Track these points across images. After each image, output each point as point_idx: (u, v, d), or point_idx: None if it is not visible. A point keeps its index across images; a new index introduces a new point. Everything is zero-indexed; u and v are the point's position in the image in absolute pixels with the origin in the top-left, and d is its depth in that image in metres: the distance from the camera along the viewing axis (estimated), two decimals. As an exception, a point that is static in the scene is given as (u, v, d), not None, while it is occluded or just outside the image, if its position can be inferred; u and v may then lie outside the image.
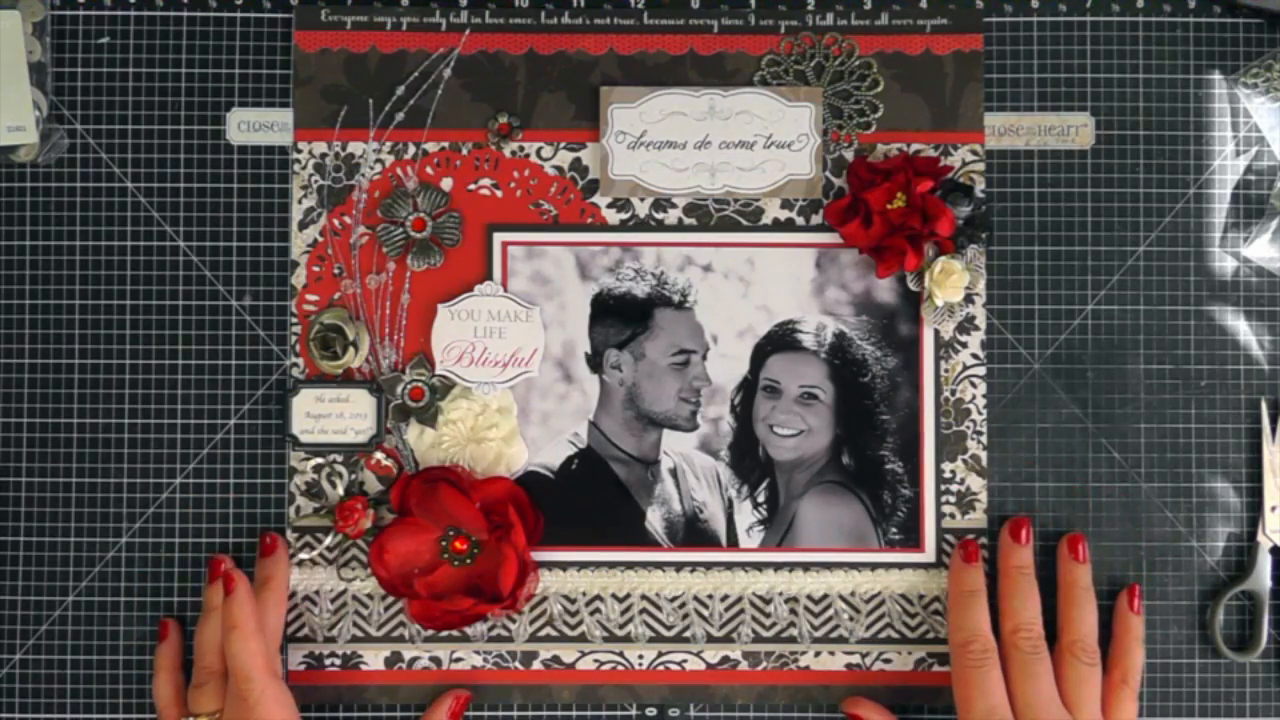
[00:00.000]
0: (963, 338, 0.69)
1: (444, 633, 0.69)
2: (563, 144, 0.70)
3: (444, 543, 0.68)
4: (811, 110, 0.70)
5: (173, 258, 0.70)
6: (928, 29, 0.70)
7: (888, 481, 0.69)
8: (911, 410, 0.69)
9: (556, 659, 0.69)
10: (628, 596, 0.69)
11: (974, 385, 0.69)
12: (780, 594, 0.69)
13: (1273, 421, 0.69)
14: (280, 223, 0.70)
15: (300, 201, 0.70)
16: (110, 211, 0.70)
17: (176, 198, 0.70)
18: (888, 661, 0.69)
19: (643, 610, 0.69)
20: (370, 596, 0.69)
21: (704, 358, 0.70)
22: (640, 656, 0.69)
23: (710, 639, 0.69)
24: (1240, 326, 0.70)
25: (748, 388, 0.70)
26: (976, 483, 0.69)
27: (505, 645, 0.69)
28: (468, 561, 0.68)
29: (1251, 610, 0.69)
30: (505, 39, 0.70)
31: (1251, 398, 0.70)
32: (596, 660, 0.69)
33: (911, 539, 0.69)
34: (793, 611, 0.69)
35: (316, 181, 0.70)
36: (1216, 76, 0.70)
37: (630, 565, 0.69)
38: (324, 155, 0.70)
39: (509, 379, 0.69)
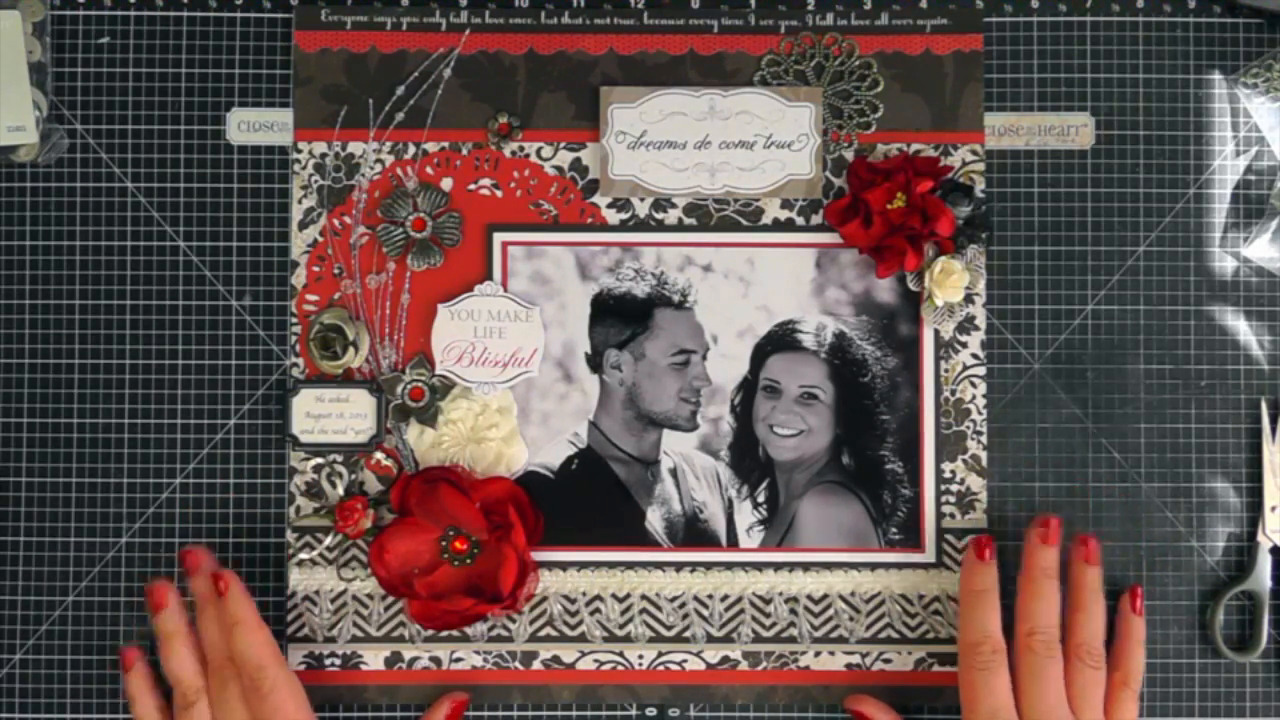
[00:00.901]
0: (963, 338, 0.69)
1: (444, 633, 0.69)
2: (563, 144, 0.70)
3: (444, 543, 0.68)
4: (811, 110, 0.70)
5: (173, 258, 0.70)
6: (928, 29, 0.70)
7: (888, 481, 0.69)
8: (911, 410, 0.69)
9: (556, 659, 0.69)
10: (628, 596, 0.69)
11: (974, 385, 0.69)
12: (780, 594, 0.69)
13: (1273, 421, 0.69)
14: (280, 223, 0.70)
15: (300, 201, 0.70)
16: (110, 211, 0.70)
17: (176, 198, 0.70)
18: (888, 661, 0.69)
19: (643, 610, 0.69)
20: (370, 596, 0.69)
21: (704, 358, 0.70)
22: (640, 656, 0.69)
23: (710, 639, 0.69)
24: (1240, 326, 0.70)
25: (748, 388, 0.70)
26: (976, 483, 0.69)
27: (505, 645, 0.69)
28: (468, 561, 0.68)
29: (1251, 610, 0.69)
30: (505, 39, 0.70)
31: (1251, 398, 0.70)
32: (596, 660, 0.69)
33: (911, 539, 0.69)
34: (793, 611, 0.69)
35: (316, 181, 0.70)
36: (1216, 76, 0.70)
37: (630, 565, 0.69)
38: (324, 155, 0.70)
39: (509, 379, 0.69)
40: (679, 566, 0.69)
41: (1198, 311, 0.70)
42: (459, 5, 0.71)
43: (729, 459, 0.70)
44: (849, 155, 0.70)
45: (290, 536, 0.69)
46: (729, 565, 0.69)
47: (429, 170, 0.70)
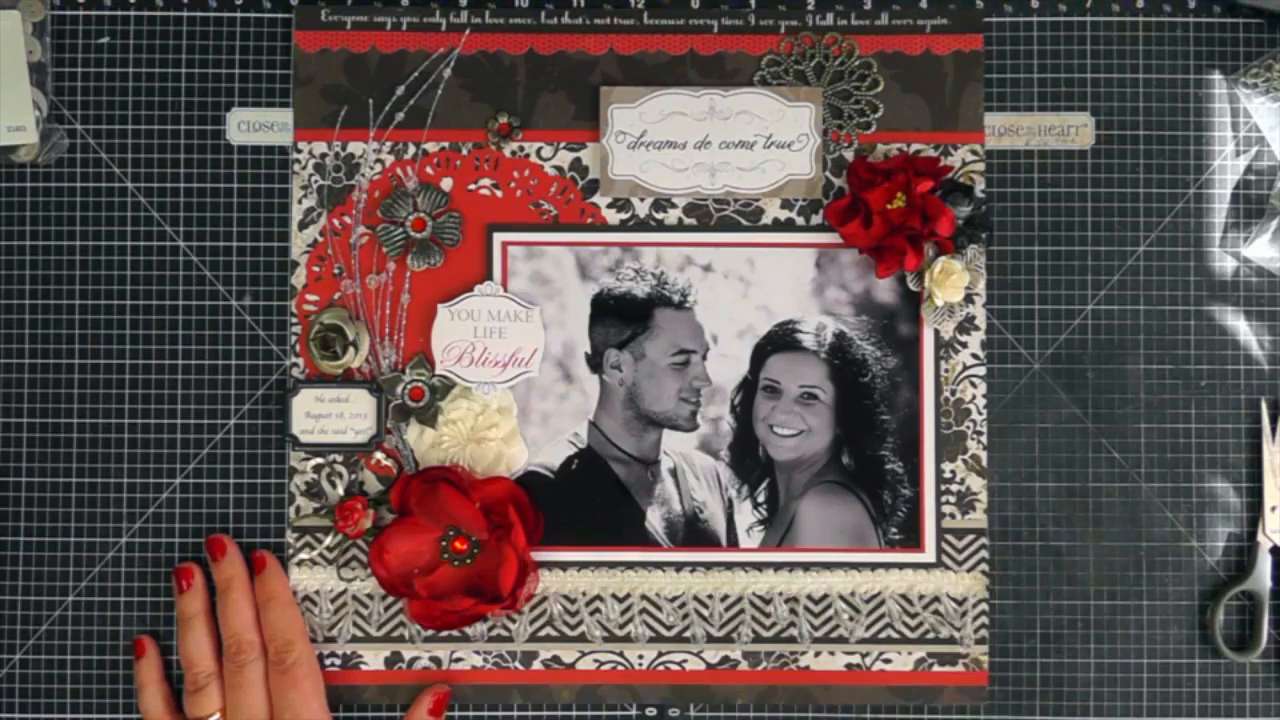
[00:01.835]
0: (963, 338, 0.69)
1: (444, 633, 0.69)
2: (563, 144, 0.70)
3: (444, 543, 0.68)
4: (811, 110, 0.70)
5: (173, 258, 0.70)
6: (928, 29, 0.70)
7: (888, 481, 0.69)
8: (911, 410, 0.69)
9: (556, 659, 0.69)
10: (628, 596, 0.69)
11: (974, 385, 0.69)
12: (780, 594, 0.69)
13: (1273, 421, 0.69)
14: (280, 223, 0.70)
15: (300, 201, 0.70)
16: (110, 211, 0.70)
17: (176, 198, 0.70)
18: (888, 661, 0.69)
19: (643, 610, 0.69)
20: (370, 596, 0.69)
21: (704, 358, 0.70)
22: (640, 656, 0.69)
23: (710, 639, 0.69)
24: (1240, 326, 0.70)
25: (748, 388, 0.70)
26: (976, 483, 0.69)
27: (505, 645, 0.69)
28: (468, 561, 0.68)
29: (1251, 610, 0.69)
30: (505, 39, 0.70)
31: (1251, 398, 0.70)
32: (596, 660, 0.69)
33: (911, 539, 0.69)
34: (793, 611, 0.69)
35: (316, 181, 0.70)
36: (1216, 76, 0.70)
37: (630, 565, 0.69)
38: (324, 155, 0.70)
39: (509, 379, 0.69)
40: (679, 566, 0.69)
41: (1198, 311, 0.70)
42: (459, 5, 0.71)
43: (729, 459, 0.70)
44: (849, 155, 0.70)
45: (290, 536, 0.69)
46: (729, 565, 0.69)
47: (429, 170, 0.70)
